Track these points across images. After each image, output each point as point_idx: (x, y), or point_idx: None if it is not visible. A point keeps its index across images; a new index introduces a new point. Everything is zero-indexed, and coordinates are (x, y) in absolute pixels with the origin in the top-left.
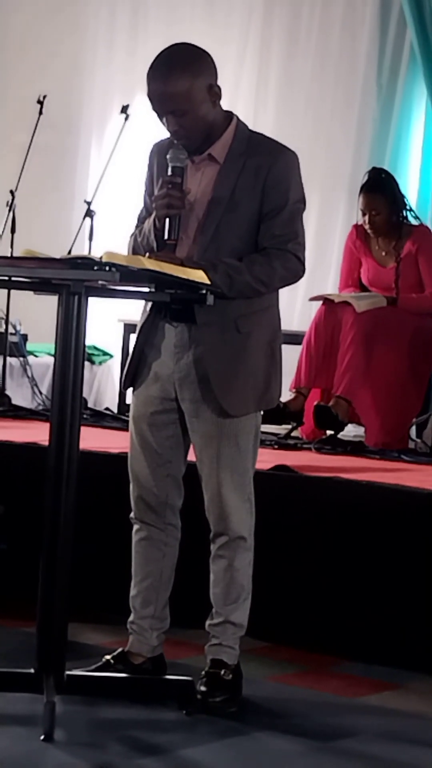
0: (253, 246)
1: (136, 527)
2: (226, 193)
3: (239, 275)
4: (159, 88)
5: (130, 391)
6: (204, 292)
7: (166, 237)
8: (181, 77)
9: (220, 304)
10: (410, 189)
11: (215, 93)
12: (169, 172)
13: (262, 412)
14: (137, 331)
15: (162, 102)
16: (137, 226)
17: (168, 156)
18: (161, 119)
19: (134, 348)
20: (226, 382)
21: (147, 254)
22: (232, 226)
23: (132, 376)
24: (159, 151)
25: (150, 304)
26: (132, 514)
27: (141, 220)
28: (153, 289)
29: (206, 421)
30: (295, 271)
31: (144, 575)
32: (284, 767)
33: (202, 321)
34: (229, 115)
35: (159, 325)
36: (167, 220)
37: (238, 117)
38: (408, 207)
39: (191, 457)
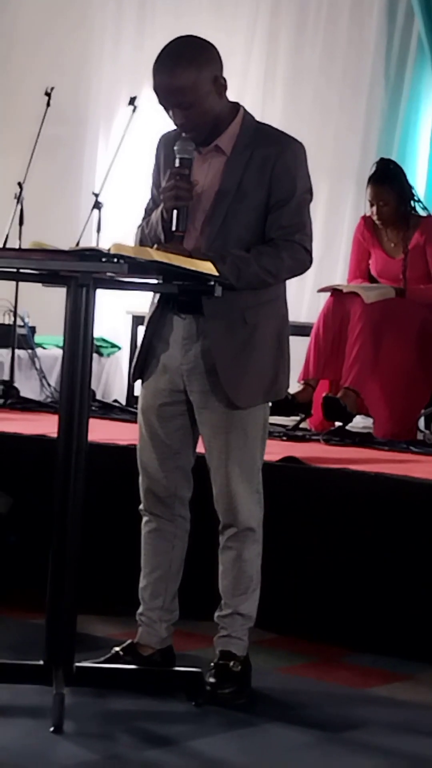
0: (260, 237)
1: (145, 519)
2: (233, 184)
3: (247, 266)
4: (165, 81)
5: (138, 383)
6: (212, 283)
7: (173, 228)
8: (186, 70)
9: (227, 295)
10: (418, 180)
11: (221, 85)
12: (177, 164)
13: (270, 404)
14: (145, 323)
15: (168, 95)
16: (144, 218)
17: (175, 147)
18: (167, 112)
19: (143, 340)
20: (234, 373)
21: (155, 246)
22: (240, 216)
23: (140, 368)
24: (166, 143)
25: (158, 296)
26: (141, 506)
27: (148, 212)
28: (161, 281)
29: (214, 412)
30: (302, 262)
31: (153, 567)
32: (293, 758)
33: (210, 313)
34: (236, 107)
35: (167, 317)
36: (175, 211)
37: (245, 108)
38: (416, 198)
39: (200, 448)
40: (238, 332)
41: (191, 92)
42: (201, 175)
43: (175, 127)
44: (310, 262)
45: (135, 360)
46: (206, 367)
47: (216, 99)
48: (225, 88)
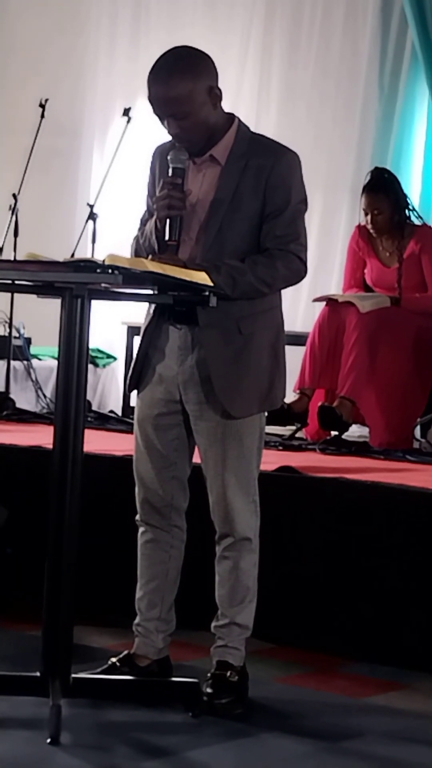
0: (255, 246)
1: (141, 530)
2: (228, 193)
3: (242, 276)
4: (160, 91)
5: (134, 393)
6: (207, 293)
7: (166, 238)
8: (181, 80)
9: (222, 305)
10: (413, 189)
11: (216, 95)
12: (170, 173)
13: (266, 414)
14: (141, 334)
15: (163, 105)
16: (140, 228)
17: (169, 157)
18: (162, 122)
19: (138, 350)
20: (229, 383)
21: (149, 256)
22: (235, 226)
23: (136, 378)
24: (161, 154)
25: (153, 306)
26: (137, 517)
27: (143, 223)
28: (155, 292)
29: (210, 422)
30: (297, 272)
31: (149, 577)
32: None
33: (205, 323)
34: (231, 117)
35: (162, 327)
36: (168, 221)
37: (240, 119)
38: (411, 207)
39: (196, 458)
40: (234, 342)
41: (186, 102)
42: (196, 185)
43: (170, 138)
44: (305, 272)
45: (131, 370)
46: (201, 377)
47: (211, 109)
48: (220, 98)
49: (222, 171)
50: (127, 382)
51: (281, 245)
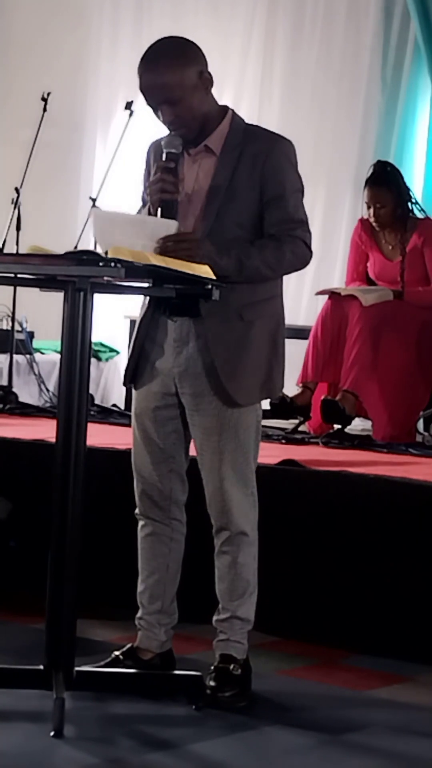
0: (253, 235)
1: (141, 523)
2: (224, 182)
3: (249, 259)
4: (150, 78)
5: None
6: (209, 287)
7: None
8: (171, 65)
9: (223, 294)
10: (415, 182)
11: (207, 79)
12: (164, 158)
13: (262, 407)
14: (136, 327)
15: (155, 92)
16: None
17: (162, 142)
18: (156, 112)
19: (134, 344)
20: (233, 369)
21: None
22: (232, 214)
23: (132, 372)
24: (156, 149)
25: (148, 299)
26: (137, 510)
27: None
28: (151, 284)
29: (206, 414)
30: (303, 257)
31: (150, 571)
32: (294, 761)
33: (206, 311)
34: (225, 108)
35: (158, 320)
36: (161, 205)
37: (233, 110)
38: (413, 200)
39: (192, 451)
40: (235, 329)
41: (178, 87)
42: (191, 176)
43: (165, 135)
44: (310, 257)
45: (127, 364)
46: (198, 369)
47: (203, 95)
48: (211, 83)
49: (217, 160)
50: (124, 375)
51: (288, 230)
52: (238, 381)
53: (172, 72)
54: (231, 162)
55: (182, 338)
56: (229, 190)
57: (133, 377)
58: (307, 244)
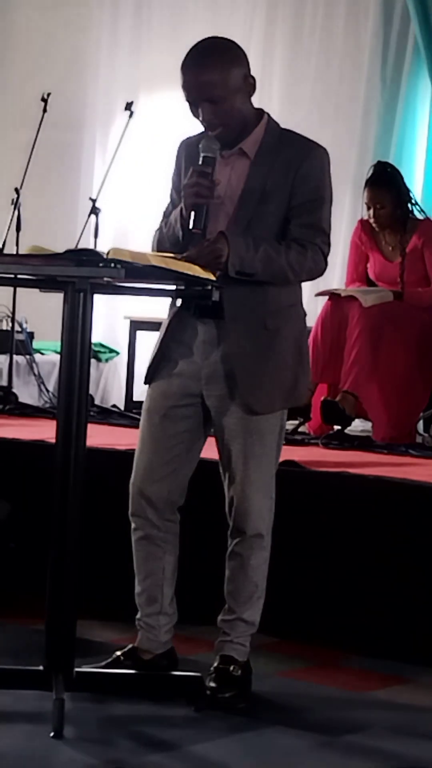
0: (281, 238)
1: (134, 526)
2: (258, 186)
3: (277, 258)
4: (196, 75)
5: (141, 387)
6: (210, 288)
7: (191, 226)
8: (218, 64)
9: (248, 300)
10: (415, 183)
11: (250, 84)
12: (201, 162)
13: (286, 411)
14: (163, 327)
15: (199, 89)
16: (162, 221)
17: (200, 145)
18: (195, 110)
19: (159, 343)
20: (253, 379)
21: (180, 238)
22: (264, 219)
23: (153, 370)
24: (188, 146)
25: (179, 300)
26: (130, 511)
27: (166, 216)
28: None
29: (232, 418)
30: (320, 267)
31: (146, 573)
32: (293, 762)
33: (230, 317)
34: (261, 112)
35: (188, 321)
36: (194, 209)
37: (269, 114)
38: (413, 201)
39: (211, 454)
40: (259, 337)
41: (221, 86)
42: (224, 179)
43: (196, 134)
44: (326, 269)
45: (150, 362)
46: (225, 372)
47: (245, 97)
48: (254, 87)
49: (251, 164)
50: (146, 373)
51: (311, 237)
52: (259, 390)
53: (219, 71)
54: (265, 166)
55: (212, 340)
56: (263, 195)
57: (152, 376)
58: (324, 255)
